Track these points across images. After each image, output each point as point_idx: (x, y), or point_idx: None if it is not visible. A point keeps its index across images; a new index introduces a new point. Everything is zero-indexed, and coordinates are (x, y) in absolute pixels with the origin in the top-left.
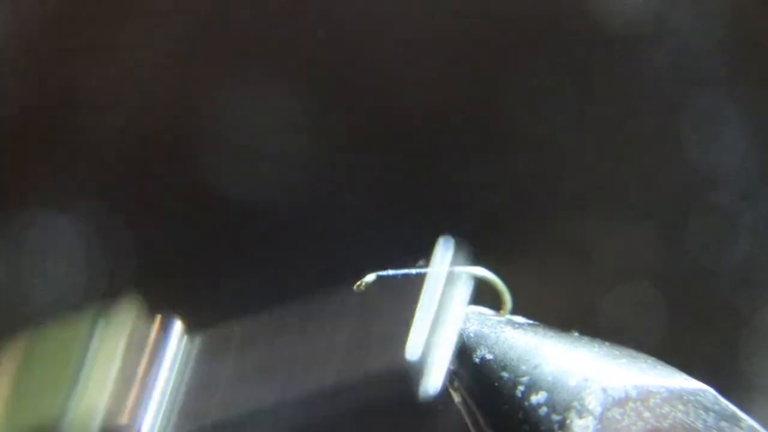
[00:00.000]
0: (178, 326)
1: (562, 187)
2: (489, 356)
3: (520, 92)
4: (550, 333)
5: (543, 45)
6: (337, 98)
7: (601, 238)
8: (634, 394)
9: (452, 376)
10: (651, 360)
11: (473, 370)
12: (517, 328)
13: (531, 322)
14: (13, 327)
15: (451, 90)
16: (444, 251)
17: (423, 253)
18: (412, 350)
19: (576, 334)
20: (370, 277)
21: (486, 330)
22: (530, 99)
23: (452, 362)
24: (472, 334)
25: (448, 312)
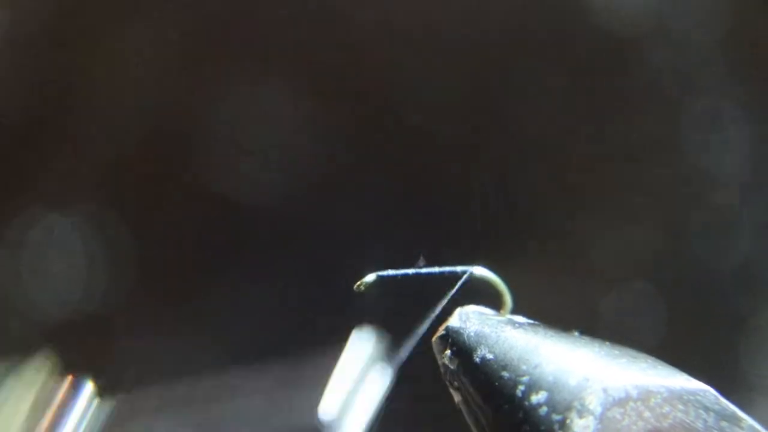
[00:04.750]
0: (89, 388)
1: (562, 187)
2: (489, 356)
3: (520, 93)
4: (551, 333)
5: (543, 45)
6: (338, 100)
7: (601, 238)
8: (634, 393)
9: (453, 375)
10: (651, 360)
11: (474, 369)
12: (518, 327)
13: (531, 321)
14: (13, 326)
15: (451, 90)
16: (361, 341)
17: (423, 253)
18: (326, 411)
19: (576, 333)
20: (370, 278)
21: (486, 329)
22: (530, 99)
23: (453, 361)
24: (472, 334)
25: (365, 377)
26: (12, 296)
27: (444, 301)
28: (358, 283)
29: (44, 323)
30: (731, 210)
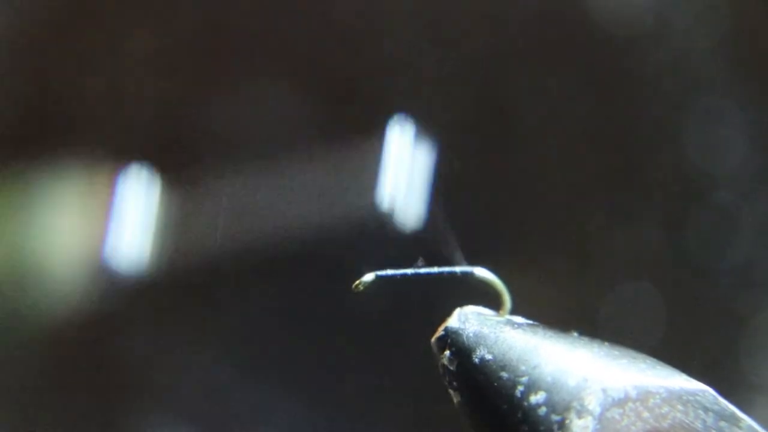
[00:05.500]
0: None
1: (562, 187)
2: (488, 356)
3: (519, 92)
4: (550, 333)
5: (543, 45)
6: (338, 98)
7: (601, 238)
8: (633, 394)
9: (452, 376)
10: (651, 360)
11: (472, 370)
12: (517, 328)
13: (530, 322)
14: (13, 325)
15: (452, 90)
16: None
17: (422, 253)
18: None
19: (575, 334)
20: (369, 277)
21: (485, 330)
22: (530, 99)
23: (452, 362)
24: (471, 335)
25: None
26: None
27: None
28: (357, 282)
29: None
30: (731, 210)
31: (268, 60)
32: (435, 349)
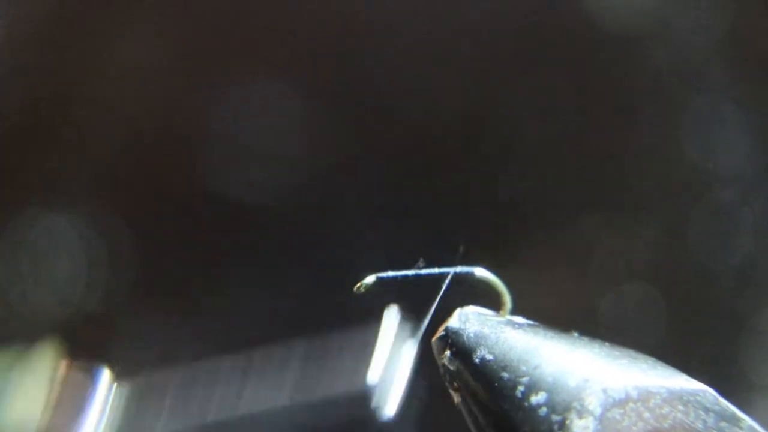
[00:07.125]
0: (104, 375)
1: (562, 187)
2: (489, 357)
3: (520, 93)
4: (550, 333)
5: (543, 45)
6: (338, 99)
7: (601, 238)
8: (634, 394)
9: (452, 376)
10: (651, 360)
11: (473, 370)
12: (517, 328)
13: (531, 322)
14: (13, 327)
15: (451, 90)
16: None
17: (423, 255)
18: (372, 376)
19: (576, 334)
20: (370, 279)
21: (486, 330)
22: (530, 99)
23: (452, 362)
24: (472, 335)
25: (403, 345)
26: (12, 294)
27: (446, 282)
28: (358, 284)
29: (46, 318)
30: (731, 210)
31: (268, 60)
32: (435, 349)
